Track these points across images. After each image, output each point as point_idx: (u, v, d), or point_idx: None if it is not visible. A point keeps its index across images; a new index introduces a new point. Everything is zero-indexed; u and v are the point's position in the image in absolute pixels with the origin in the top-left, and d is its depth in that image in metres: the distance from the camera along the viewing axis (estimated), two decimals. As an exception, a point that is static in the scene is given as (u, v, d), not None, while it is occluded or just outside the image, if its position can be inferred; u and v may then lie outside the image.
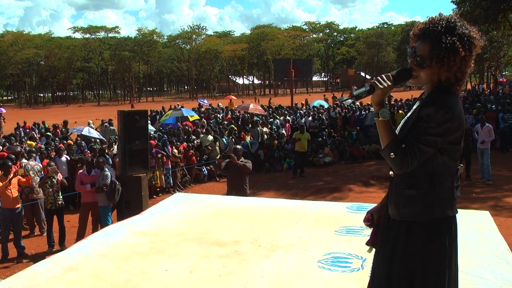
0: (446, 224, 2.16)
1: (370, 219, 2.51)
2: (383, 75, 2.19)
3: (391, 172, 2.27)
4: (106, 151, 12.01)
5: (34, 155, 10.36)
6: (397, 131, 2.25)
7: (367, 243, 2.49)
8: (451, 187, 2.18)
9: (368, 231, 3.82)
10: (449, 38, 2.06)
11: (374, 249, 2.45)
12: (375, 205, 2.59)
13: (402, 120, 2.34)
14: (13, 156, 9.55)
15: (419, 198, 2.16)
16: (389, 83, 2.16)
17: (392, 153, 2.11)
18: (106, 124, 19.61)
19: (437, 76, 2.13)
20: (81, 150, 12.72)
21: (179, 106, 27.96)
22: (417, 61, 2.16)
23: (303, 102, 32.97)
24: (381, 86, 2.15)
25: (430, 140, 2.07)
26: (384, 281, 2.25)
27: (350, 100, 2.30)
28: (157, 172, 12.24)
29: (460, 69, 2.11)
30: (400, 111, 18.87)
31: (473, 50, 2.11)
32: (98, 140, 15.24)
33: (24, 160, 10.09)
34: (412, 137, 2.11)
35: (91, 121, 20.10)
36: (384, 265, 2.26)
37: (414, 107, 2.31)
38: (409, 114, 2.30)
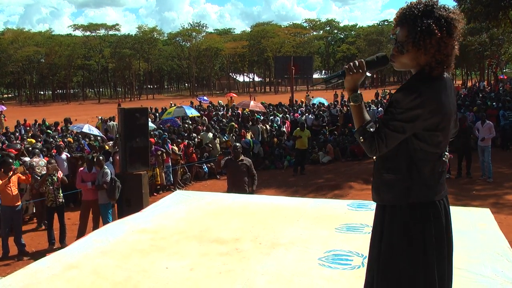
0: (425, 209, 2.14)
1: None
2: (356, 61, 2.20)
3: (374, 157, 2.29)
4: (107, 147, 12.01)
5: (37, 151, 10.40)
6: None
7: None
8: (431, 173, 2.16)
9: (369, 229, 3.84)
10: (424, 21, 2.03)
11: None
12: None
13: None
14: (13, 154, 9.56)
15: (396, 182, 2.17)
16: (361, 70, 2.17)
17: (361, 137, 2.15)
18: (111, 122, 19.65)
19: (416, 61, 2.12)
20: (81, 148, 12.72)
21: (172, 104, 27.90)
22: (397, 48, 2.15)
23: (303, 100, 32.92)
24: (351, 73, 2.18)
25: (396, 125, 2.07)
26: (374, 262, 2.26)
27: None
28: (157, 170, 12.24)
29: (439, 51, 2.06)
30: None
31: (453, 31, 2.06)
32: (99, 138, 15.25)
33: (26, 158, 10.12)
34: (381, 121, 2.13)
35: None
36: (373, 248, 2.29)
37: None
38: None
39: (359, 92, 2.20)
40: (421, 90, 2.06)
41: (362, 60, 2.20)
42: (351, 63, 2.20)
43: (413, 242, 2.13)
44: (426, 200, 2.14)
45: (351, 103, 2.19)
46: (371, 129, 2.13)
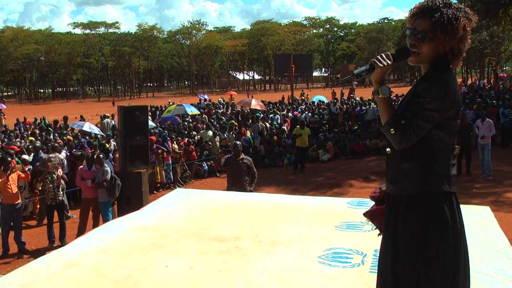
0: (441, 199, 2.17)
1: (377, 192, 2.53)
2: (382, 54, 2.23)
3: (388, 149, 2.32)
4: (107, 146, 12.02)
5: (57, 146, 10.96)
6: None
7: (365, 214, 2.53)
8: (447, 164, 2.21)
9: (369, 227, 3.83)
10: (449, 10, 2.13)
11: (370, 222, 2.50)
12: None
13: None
14: (13, 152, 9.56)
15: (415, 171, 2.20)
16: (389, 61, 2.20)
17: (392, 129, 2.15)
18: (106, 119, 19.70)
19: (442, 46, 2.16)
20: (81, 146, 12.72)
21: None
22: (418, 37, 2.19)
23: (303, 98, 32.93)
24: (381, 65, 2.19)
25: (427, 115, 2.10)
26: (390, 257, 2.26)
27: (356, 77, 2.30)
28: (157, 168, 12.25)
29: (462, 40, 2.16)
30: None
31: (471, 25, 2.18)
32: (99, 136, 15.26)
33: (25, 156, 10.13)
34: (410, 112, 2.14)
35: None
36: (387, 242, 2.29)
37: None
38: (405, 95, 2.34)
39: (386, 85, 2.22)
40: (446, 79, 2.13)
41: (388, 53, 2.24)
42: (379, 56, 2.22)
43: (440, 226, 2.15)
44: (442, 190, 2.18)
45: (380, 96, 2.20)
46: (402, 121, 2.15)
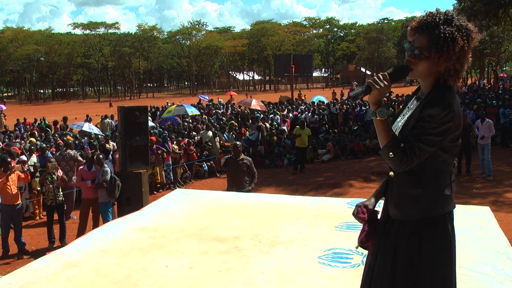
0: (448, 218, 2.18)
1: (364, 213, 2.45)
2: (379, 75, 2.17)
3: (391, 173, 2.27)
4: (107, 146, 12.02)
5: (72, 143, 11.32)
6: (396, 127, 2.28)
7: (359, 241, 2.43)
8: (450, 183, 2.21)
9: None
10: (447, 28, 2.06)
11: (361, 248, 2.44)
12: (364, 199, 2.61)
13: (402, 120, 2.31)
14: (14, 151, 9.57)
15: (425, 196, 2.16)
16: (386, 82, 2.14)
17: (391, 153, 2.10)
18: (106, 119, 19.75)
19: (436, 67, 2.12)
20: (81, 146, 12.72)
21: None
22: (414, 54, 2.14)
23: (303, 98, 32.94)
24: (377, 87, 2.14)
25: (430, 140, 2.07)
26: (387, 279, 2.23)
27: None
28: (157, 168, 12.25)
29: (459, 60, 2.10)
30: (401, 106, 18.86)
31: (470, 42, 2.10)
32: (99, 136, 15.26)
33: (23, 157, 10.14)
34: (413, 136, 2.09)
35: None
36: (385, 264, 2.25)
37: (411, 105, 2.31)
38: (409, 114, 2.27)
39: (384, 107, 2.18)
40: (452, 104, 2.09)
41: (386, 73, 2.19)
42: (375, 77, 2.18)
43: (446, 250, 2.16)
44: (448, 211, 2.18)
45: (378, 118, 2.15)
46: (401, 145, 2.10)
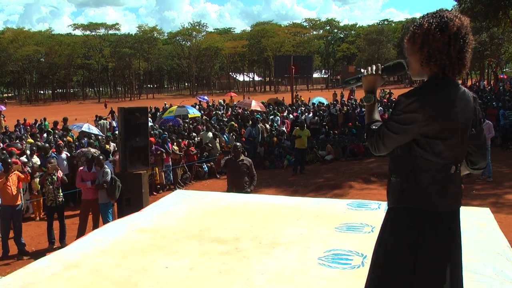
0: (420, 217, 2.15)
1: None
2: (372, 65, 2.32)
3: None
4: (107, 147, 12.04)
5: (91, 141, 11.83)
6: None
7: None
8: (430, 183, 2.15)
9: (369, 228, 3.85)
10: (419, 20, 2.17)
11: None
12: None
13: None
14: (13, 152, 9.59)
15: (396, 185, 2.23)
16: (374, 72, 2.29)
17: (365, 134, 2.26)
18: (101, 121, 19.86)
19: (415, 56, 2.17)
20: (81, 147, 12.72)
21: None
22: (406, 55, 2.27)
23: (302, 99, 32.92)
24: (365, 74, 2.31)
25: (392, 125, 2.13)
26: (372, 266, 2.31)
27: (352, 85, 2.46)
28: (156, 169, 12.25)
29: (428, 44, 2.10)
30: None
31: (445, 27, 2.08)
32: (99, 137, 15.27)
33: (23, 158, 10.17)
34: (383, 121, 2.21)
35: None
36: (375, 250, 2.33)
37: None
38: None
39: (373, 94, 2.31)
40: (421, 95, 2.10)
41: (379, 64, 2.32)
42: (368, 67, 2.32)
43: (403, 246, 2.16)
44: (421, 208, 2.15)
45: (364, 103, 2.32)
46: (374, 127, 2.22)
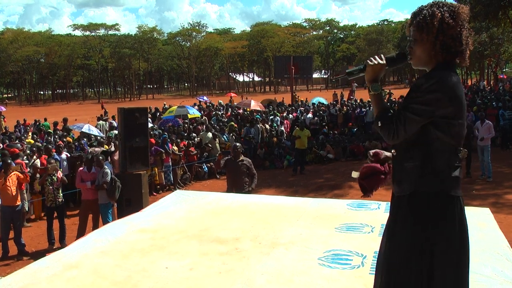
0: (438, 200, 2.15)
1: (377, 154, 2.58)
2: (376, 55, 2.33)
3: (393, 150, 2.33)
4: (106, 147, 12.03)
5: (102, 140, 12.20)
6: None
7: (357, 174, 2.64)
8: (446, 166, 2.17)
9: (369, 228, 3.85)
10: (427, 9, 2.18)
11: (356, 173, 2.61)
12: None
13: None
14: (16, 152, 9.60)
15: (413, 170, 2.20)
16: (380, 61, 2.29)
17: (379, 122, 2.21)
18: (100, 121, 19.90)
19: (427, 45, 2.18)
20: (81, 148, 12.72)
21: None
22: (410, 44, 2.26)
23: (301, 100, 32.91)
24: (371, 63, 2.29)
25: (416, 108, 2.11)
26: (385, 258, 2.28)
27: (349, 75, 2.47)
28: (156, 169, 12.24)
29: (443, 32, 2.13)
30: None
31: (456, 16, 2.14)
32: (98, 138, 15.25)
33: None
34: (401, 106, 2.19)
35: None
36: (386, 238, 2.31)
37: None
38: None
39: (379, 83, 2.31)
40: (440, 76, 2.12)
41: (381, 54, 2.33)
42: (371, 57, 2.32)
43: (424, 238, 2.14)
44: (441, 192, 2.15)
45: (371, 92, 2.29)
46: (389, 114, 2.20)
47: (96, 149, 10.99)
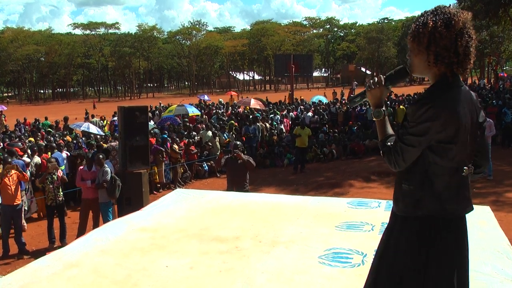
0: (434, 224, 2.11)
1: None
2: (374, 78, 2.25)
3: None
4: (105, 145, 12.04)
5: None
6: None
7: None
8: (446, 188, 2.11)
9: (369, 227, 3.84)
10: (422, 18, 2.10)
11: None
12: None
13: None
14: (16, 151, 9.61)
15: (409, 193, 2.15)
16: (378, 85, 2.22)
17: (381, 151, 2.19)
18: (94, 119, 20.09)
19: (420, 55, 2.11)
20: (79, 146, 12.73)
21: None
22: (407, 55, 2.20)
23: (303, 98, 32.88)
24: (369, 88, 2.24)
25: (410, 139, 2.06)
26: (374, 272, 2.28)
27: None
28: (155, 168, 12.24)
29: (435, 43, 2.04)
30: (401, 106, 18.88)
31: (450, 24, 2.03)
32: (98, 136, 15.28)
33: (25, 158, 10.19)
34: (397, 135, 2.13)
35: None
36: (378, 253, 2.30)
37: None
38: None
39: (383, 108, 2.24)
40: (433, 101, 2.03)
41: (381, 75, 2.24)
42: (370, 80, 2.25)
43: (416, 255, 2.12)
44: (437, 215, 2.11)
45: (374, 118, 2.26)
46: (389, 144, 2.15)
47: (113, 143, 11.09)
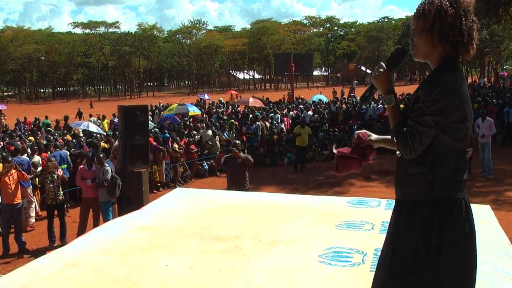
0: (446, 206, 2.11)
1: (360, 138, 2.53)
2: (377, 66, 2.25)
3: (397, 152, 2.26)
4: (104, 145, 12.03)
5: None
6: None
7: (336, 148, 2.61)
8: (455, 169, 2.13)
9: (369, 226, 3.85)
10: None
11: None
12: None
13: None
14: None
15: (419, 176, 2.15)
16: (380, 69, 2.21)
17: (394, 138, 2.15)
18: (92, 118, 20.15)
19: (425, 34, 2.11)
20: (80, 145, 12.72)
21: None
22: (412, 33, 2.20)
23: (303, 97, 32.89)
24: (373, 75, 2.23)
25: (427, 120, 2.04)
26: (388, 257, 2.24)
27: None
28: (155, 167, 12.24)
29: (440, 19, 2.06)
30: (401, 105, 18.87)
31: (458, 6, 2.08)
32: (98, 135, 15.27)
33: (24, 156, 10.16)
34: (411, 119, 2.11)
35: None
36: (388, 242, 2.27)
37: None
38: (410, 98, 2.29)
39: (394, 94, 2.22)
40: (444, 81, 2.05)
41: (381, 62, 2.24)
42: (374, 70, 2.25)
43: (429, 240, 2.10)
44: (448, 197, 2.12)
45: (386, 105, 2.24)
46: (404, 129, 2.12)
47: (117, 143, 11.13)
